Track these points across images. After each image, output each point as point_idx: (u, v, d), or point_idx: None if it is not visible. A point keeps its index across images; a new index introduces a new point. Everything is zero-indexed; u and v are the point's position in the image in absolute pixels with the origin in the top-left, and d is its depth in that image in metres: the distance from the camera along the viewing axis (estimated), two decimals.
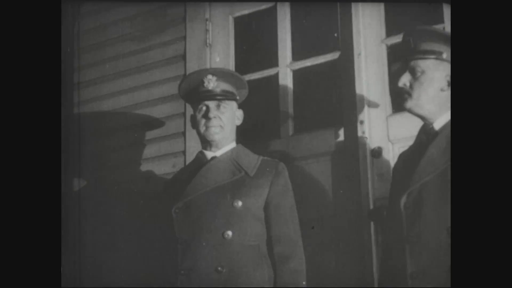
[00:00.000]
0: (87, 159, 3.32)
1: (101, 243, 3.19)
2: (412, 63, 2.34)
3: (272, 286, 2.41)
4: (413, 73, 2.34)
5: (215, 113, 2.52)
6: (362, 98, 2.92)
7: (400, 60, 2.43)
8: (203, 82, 2.55)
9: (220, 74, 2.56)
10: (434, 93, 2.32)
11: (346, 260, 2.81)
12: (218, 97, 2.54)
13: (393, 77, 2.68)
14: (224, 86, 2.55)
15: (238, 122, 2.61)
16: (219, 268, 2.38)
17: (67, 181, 3.28)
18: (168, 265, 2.47)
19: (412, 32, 2.37)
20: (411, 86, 2.34)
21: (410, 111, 2.35)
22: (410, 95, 2.33)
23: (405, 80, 2.35)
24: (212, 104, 2.53)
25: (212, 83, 2.54)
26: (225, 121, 2.53)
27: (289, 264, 2.41)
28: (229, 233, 2.41)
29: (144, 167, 3.28)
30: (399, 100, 2.38)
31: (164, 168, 3.22)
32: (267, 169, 2.52)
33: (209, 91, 2.54)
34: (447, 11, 2.81)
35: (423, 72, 2.32)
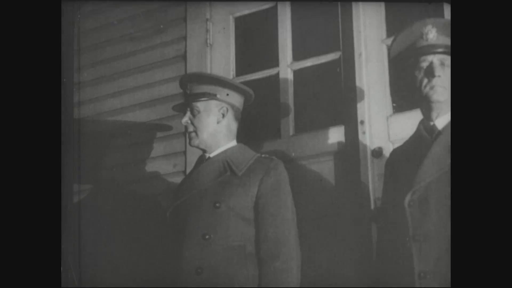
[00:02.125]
0: (87, 159, 3.32)
1: (101, 243, 3.19)
2: (440, 56, 2.32)
3: (255, 286, 2.38)
4: (442, 66, 2.32)
5: (186, 119, 2.53)
6: (362, 98, 2.92)
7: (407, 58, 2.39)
8: (186, 89, 2.57)
9: (194, 78, 2.56)
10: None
11: (346, 260, 2.81)
12: (192, 101, 2.53)
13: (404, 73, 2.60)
14: (198, 88, 2.54)
15: (221, 118, 2.54)
16: (199, 270, 2.37)
17: (67, 182, 3.27)
18: (166, 267, 2.48)
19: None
20: (443, 79, 2.31)
21: (437, 103, 2.32)
22: (446, 89, 2.30)
23: (439, 72, 2.31)
24: (188, 110, 2.55)
25: (190, 88, 2.54)
26: (198, 125, 2.52)
27: (274, 263, 2.37)
28: (210, 234, 2.41)
29: (145, 167, 3.28)
30: (428, 91, 2.33)
31: (165, 168, 3.22)
32: (259, 167, 2.49)
33: (187, 96, 2.56)
34: (447, 10, 2.81)
35: (447, 65, 2.31)
